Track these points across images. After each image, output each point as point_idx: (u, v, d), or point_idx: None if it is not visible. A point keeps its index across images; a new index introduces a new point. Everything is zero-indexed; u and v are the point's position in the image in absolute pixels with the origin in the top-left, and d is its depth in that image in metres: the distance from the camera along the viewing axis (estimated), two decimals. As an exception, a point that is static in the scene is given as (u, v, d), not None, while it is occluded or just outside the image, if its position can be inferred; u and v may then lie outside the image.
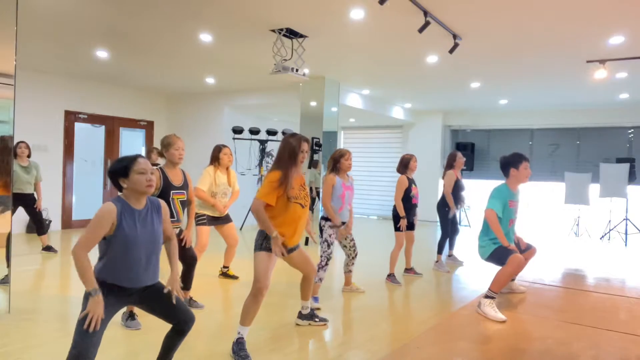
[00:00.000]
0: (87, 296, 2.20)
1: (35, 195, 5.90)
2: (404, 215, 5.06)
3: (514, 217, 4.27)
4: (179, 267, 4.04)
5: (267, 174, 3.19)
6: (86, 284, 2.15)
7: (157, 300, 2.44)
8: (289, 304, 4.22)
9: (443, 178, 6.12)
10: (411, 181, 5.20)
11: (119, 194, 2.38)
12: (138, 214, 2.33)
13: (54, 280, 4.97)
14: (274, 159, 3.28)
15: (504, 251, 4.04)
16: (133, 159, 2.34)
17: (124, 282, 2.31)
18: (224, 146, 4.69)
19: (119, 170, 2.31)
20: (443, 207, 5.99)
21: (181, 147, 3.72)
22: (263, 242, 3.08)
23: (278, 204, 3.08)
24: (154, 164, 6.94)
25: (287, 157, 3.16)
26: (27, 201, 5.83)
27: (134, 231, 2.29)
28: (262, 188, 3.10)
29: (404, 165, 5.24)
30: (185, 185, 3.75)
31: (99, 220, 2.20)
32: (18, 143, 5.74)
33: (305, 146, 3.22)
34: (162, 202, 2.51)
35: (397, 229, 5.09)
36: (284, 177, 3.10)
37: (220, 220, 4.66)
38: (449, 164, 6.10)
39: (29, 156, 5.87)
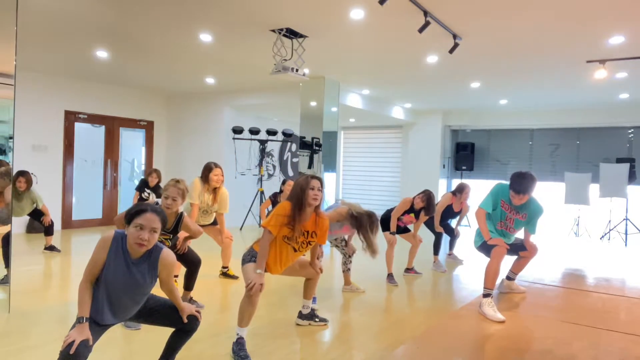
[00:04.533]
0: None
1: (39, 204, 5.87)
2: (394, 231, 5.17)
3: (505, 222, 4.29)
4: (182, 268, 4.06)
5: (279, 205, 3.16)
6: (79, 310, 2.17)
7: (155, 314, 2.44)
8: (289, 303, 4.22)
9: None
10: (412, 210, 5.24)
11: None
12: (130, 263, 2.26)
13: (55, 280, 4.98)
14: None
15: (489, 244, 4.15)
16: (141, 211, 2.22)
17: (103, 320, 2.27)
18: (216, 166, 4.60)
19: (126, 215, 2.27)
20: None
21: (171, 196, 3.51)
22: (251, 259, 3.10)
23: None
24: (154, 187, 6.92)
25: (295, 196, 3.14)
26: (36, 218, 5.94)
27: (118, 275, 2.23)
28: (272, 219, 3.07)
29: (428, 206, 5.20)
30: (174, 230, 3.63)
31: (96, 246, 2.22)
32: (18, 176, 5.57)
33: (315, 183, 3.12)
34: (165, 255, 2.35)
35: (384, 230, 5.20)
36: (292, 215, 3.08)
37: (204, 225, 4.72)
38: (454, 192, 6.07)
39: (27, 189, 5.67)
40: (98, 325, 2.27)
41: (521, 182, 4.06)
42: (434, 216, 5.91)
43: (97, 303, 2.23)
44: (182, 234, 3.78)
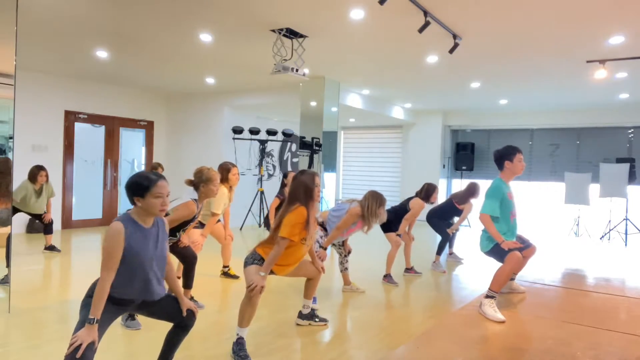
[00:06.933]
0: (85, 305, 2.21)
1: (52, 197, 6.05)
2: (401, 233, 5.24)
3: (514, 209, 4.25)
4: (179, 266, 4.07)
5: (290, 212, 3.11)
6: (94, 308, 2.14)
7: (156, 305, 2.45)
8: (290, 303, 4.22)
9: (462, 203, 6.04)
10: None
11: (128, 210, 2.35)
12: (148, 232, 2.33)
13: (55, 280, 4.98)
14: (287, 197, 3.27)
15: (503, 248, 4.05)
16: (154, 181, 2.30)
17: (133, 296, 2.32)
18: (233, 165, 4.62)
19: (136, 190, 2.29)
20: (433, 218, 6.07)
21: (217, 183, 3.66)
22: (254, 261, 3.11)
23: None
24: None
25: (303, 195, 3.16)
26: (36, 216, 6.02)
27: (144, 249, 2.30)
28: (292, 227, 3.06)
29: (427, 195, 5.34)
30: (199, 213, 3.74)
31: (110, 242, 2.20)
32: (40, 170, 5.79)
33: (317, 180, 3.23)
34: (165, 220, 2.51)
35: (386, 231, 5.22)
36: (308, 217, 3.12)
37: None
38: (472, 194, 5.98)
39: (46, 181, 5.93)
40: (117, 307, 2.29)
41: (511, 146, 4.28)
42: (459, 222, 6.00)
43: (127, 286, 2.28)
44: (184, 235, 3.80)
